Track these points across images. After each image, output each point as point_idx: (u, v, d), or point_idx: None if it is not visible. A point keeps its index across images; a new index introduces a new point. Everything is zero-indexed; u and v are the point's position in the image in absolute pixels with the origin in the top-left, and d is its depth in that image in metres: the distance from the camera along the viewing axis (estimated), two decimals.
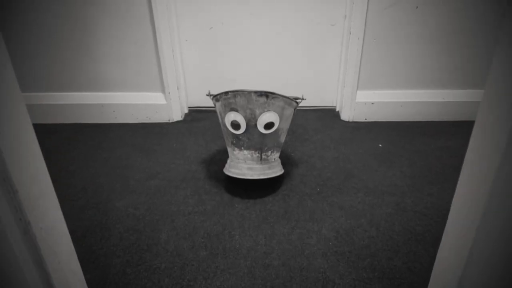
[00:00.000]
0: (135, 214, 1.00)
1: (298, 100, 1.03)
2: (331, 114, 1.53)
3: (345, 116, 1.47)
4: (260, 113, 0.96)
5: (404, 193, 1.07)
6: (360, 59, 1.36)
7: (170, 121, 1.48)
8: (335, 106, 1.56)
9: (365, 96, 1.44)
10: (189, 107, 1.57)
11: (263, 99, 0.94)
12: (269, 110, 0.96)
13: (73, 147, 1.33)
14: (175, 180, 1.13)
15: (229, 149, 1.06)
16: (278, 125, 0.99)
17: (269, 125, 0.98)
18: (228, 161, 1.06)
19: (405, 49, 1.36)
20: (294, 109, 1.04)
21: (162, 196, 1.07)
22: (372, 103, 1.43)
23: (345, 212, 0.99)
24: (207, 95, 1.06)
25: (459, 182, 0.45)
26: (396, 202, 1.03)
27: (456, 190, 0.47)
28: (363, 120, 1.47)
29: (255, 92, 0.93)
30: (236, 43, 1.42)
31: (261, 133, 0.98)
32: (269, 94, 0.94)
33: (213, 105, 1.43)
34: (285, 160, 1.21)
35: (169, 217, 0.99)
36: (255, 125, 0.97)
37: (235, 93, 0.94)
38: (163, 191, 1.08)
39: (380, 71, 1.40)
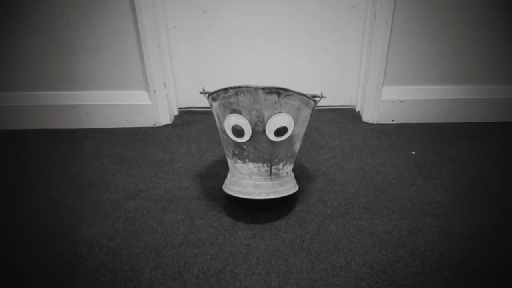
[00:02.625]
0: (110, 247, 0.90)
1: (316, 99, 0.95)
2: (350, 115, 1.47)
3: (368, 117, 1.40)
4: (270, 116, 0.87)
5: (450, 213, 0.98)
6: (388, 48, 1.29)
7: (157, 125, 1.42)
8: (354, 106, 1.50)
9: (392, 93, 1.37)
10: (179, 108, 1.51)
11: (273, 97, 0.85)
12: (281, 112, 0.87)
13: (37, 159, 1.25)
14: (161, 200, 1.05)
15: (229, 161, 0.97)
16: (293, 131, 0.91)
17: (281, 131, 0.89)
18: (229, 176, 0.98)
19: (442, 36, 1.28)
20: (312, 110, 0.95)
21: (145, 221, 0.98)
22: (401, 101, 1.37)
23: (378, 240, 0.90)
24: (201, 93, 0.98)
25: None
26: (441, 225, 0.94)
27: None
28: (389, 122, 1.40)
29: (263, 88, 0.84)
30: (236, 31, 1.36)
31: (271, 141, 0.90)
32: (281, 91, 0.85)
33: (209, 106, 1.37)
34: (299, 173, 1.14)
35: (153, 250, 0.89)
36: (263, 131, 0.88)
37: (238, 90, 0.85)
38: (146, 215, 1.00)
39: (412, 63, 1.33)
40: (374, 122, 1.40)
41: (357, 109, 1.48)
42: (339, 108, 1.50)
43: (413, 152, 1.22)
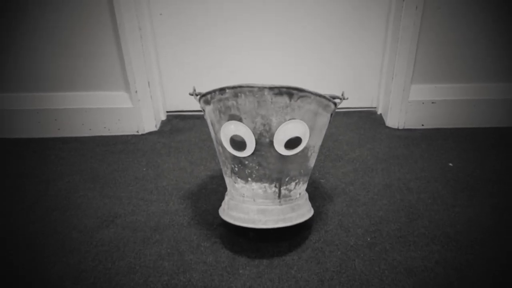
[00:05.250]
0: None
1: (336, 101, 0.89)
2: (371, 118, 1.44)
3: (393, 121, 1.37)
4: (279, 123, 0.81)
5: (507, 242, 0.91)
6: (418, 38, 1.25)
7: (139, 133, 1.40)
8: (375, 108, 1.48)
9: (422, 92, 1.34)
10: (167, 112, 1.49)
11: (283, 99, 0.78)
12: (294, 118, 0.81)
13: None
14: (143, 229, 0.99)
15: (227, 180, 0.91)
16: (308, 142, 0.85)
17: (293, 142, 0.83)
18: (227, 198, 0.93)
19: (484, 24, 1.25)
20: (331, 115, 0.89)
21: (121, 257, 0.91)
22: (433, 102, 1.34)
23: (418, 280, 0.83)
24: (191, 94, 0.93)
25: None
26: (497, 259, 0.88)
27: None
28: (419, 126, 1.38)
29: (271, 88, 0.77)
30: (234, 19, 1.33)
31: (280, 155, 0.84)
32: (294, 92, 0.78)
33: (201, 109, 1.33)
34: (312, 191, 1.09)
35: None
36: (271, 142, 0.82)
37: (237, 90, 0.79)
38: (122, 249, 0.93)
39: (446, 56, 1.30)
40: (401, 127, 1.37)
41: (379, 111, 1.45)
42: (357, 110, 1.48)
43: (450, 164, 1.18)
